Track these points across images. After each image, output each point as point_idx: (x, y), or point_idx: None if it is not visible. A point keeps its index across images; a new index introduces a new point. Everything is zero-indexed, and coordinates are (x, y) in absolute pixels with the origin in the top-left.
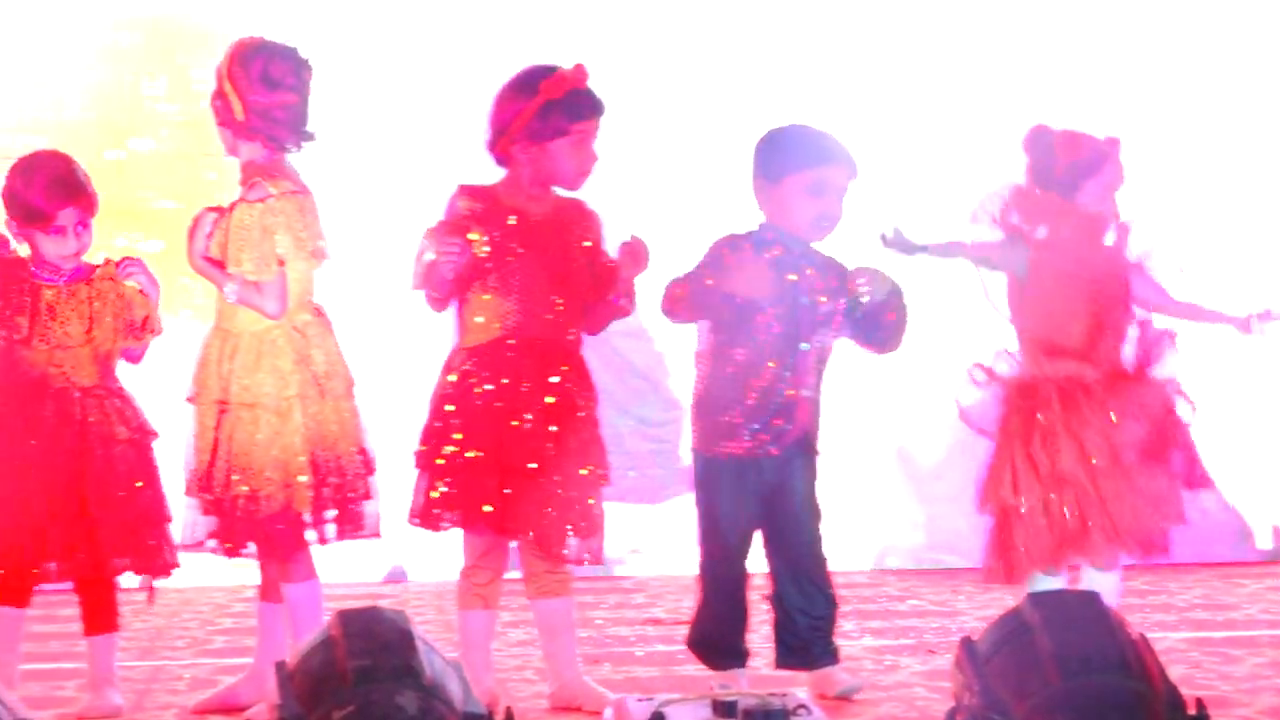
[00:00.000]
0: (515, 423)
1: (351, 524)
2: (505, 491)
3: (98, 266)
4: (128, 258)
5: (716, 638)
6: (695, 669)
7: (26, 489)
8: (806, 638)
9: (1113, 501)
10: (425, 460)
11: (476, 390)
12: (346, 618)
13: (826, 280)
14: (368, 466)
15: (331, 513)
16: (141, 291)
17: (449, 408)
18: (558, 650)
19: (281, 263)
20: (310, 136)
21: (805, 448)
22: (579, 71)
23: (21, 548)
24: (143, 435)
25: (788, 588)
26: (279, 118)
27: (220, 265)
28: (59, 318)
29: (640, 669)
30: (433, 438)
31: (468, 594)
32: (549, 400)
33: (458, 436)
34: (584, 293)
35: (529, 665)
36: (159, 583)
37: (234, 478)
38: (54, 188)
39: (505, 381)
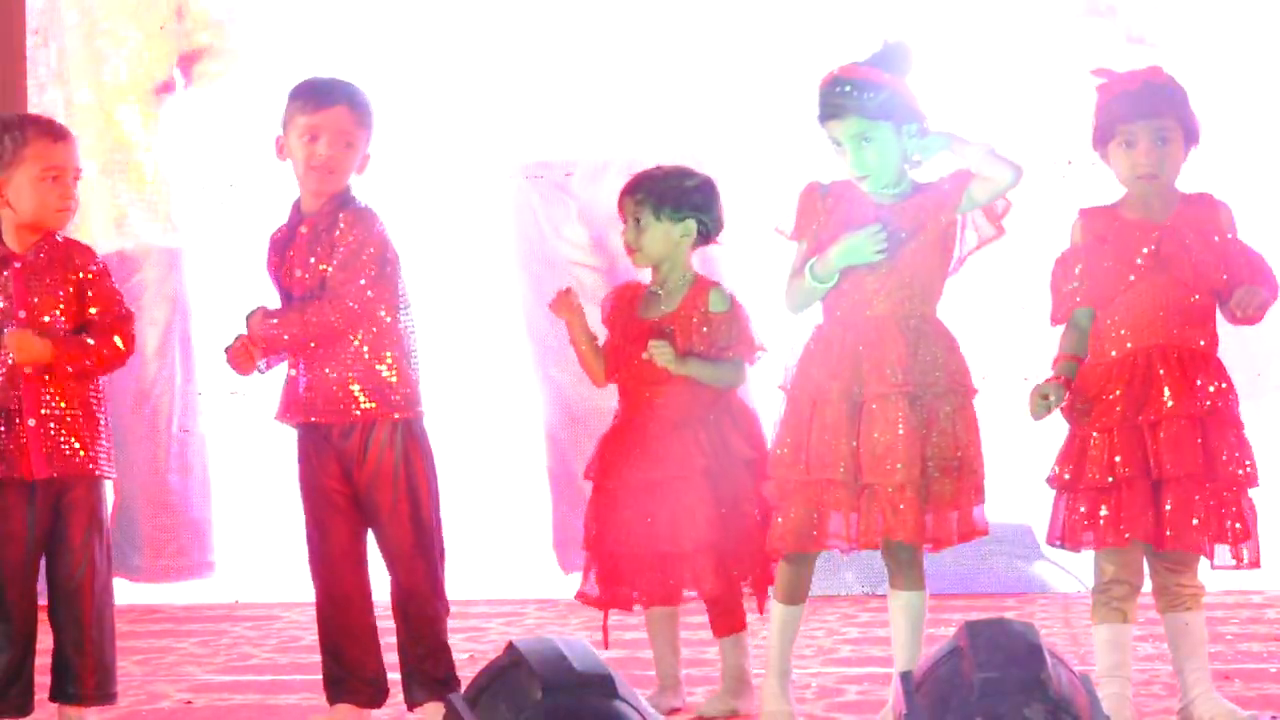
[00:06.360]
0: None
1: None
2: (1166, 507)
3: None
4: None
5: None
6: None
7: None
8: None
9: None
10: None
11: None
12: (974, 629)
13: None
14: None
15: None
16: None
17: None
18: (1188, 665)
19: None
20: None
21: None
22: None
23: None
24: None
25: None
26: None
27: None
28: None
29: (1273, 686)
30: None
31: (1104, 607)
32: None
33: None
34: None
35: (1157, 680)
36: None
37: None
38: None
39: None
